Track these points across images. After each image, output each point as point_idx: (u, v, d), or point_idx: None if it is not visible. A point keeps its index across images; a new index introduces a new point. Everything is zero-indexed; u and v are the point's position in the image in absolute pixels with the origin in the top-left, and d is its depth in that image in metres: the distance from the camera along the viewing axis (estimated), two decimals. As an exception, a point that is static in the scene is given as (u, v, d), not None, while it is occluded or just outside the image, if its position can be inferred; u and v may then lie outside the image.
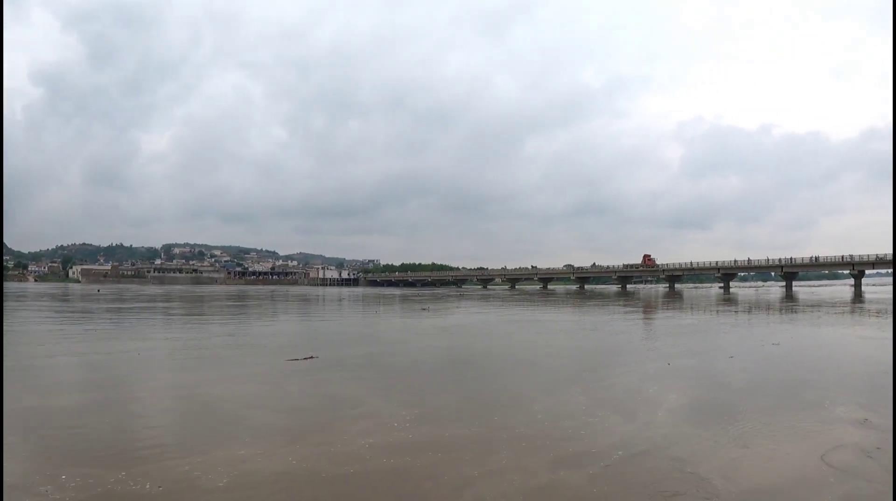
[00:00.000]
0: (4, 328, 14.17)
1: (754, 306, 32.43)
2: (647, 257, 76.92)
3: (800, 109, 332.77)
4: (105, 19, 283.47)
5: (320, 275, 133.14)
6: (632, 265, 78.10)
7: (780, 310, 27.66)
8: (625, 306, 33.57)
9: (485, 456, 4.59)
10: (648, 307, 32.60)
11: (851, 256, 62.28)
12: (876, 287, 62.08)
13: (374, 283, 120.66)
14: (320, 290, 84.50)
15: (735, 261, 72.04)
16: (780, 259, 67.78)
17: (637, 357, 10.91)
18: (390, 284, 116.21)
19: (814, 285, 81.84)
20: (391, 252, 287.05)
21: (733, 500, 3.76)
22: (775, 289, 62.92)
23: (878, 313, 24.60)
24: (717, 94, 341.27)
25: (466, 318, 23.70)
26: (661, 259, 78.95)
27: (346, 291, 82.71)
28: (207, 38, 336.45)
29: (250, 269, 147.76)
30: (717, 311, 27.59)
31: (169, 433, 5.32)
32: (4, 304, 28.77)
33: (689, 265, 75.83)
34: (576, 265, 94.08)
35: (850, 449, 4.76)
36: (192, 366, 9.45)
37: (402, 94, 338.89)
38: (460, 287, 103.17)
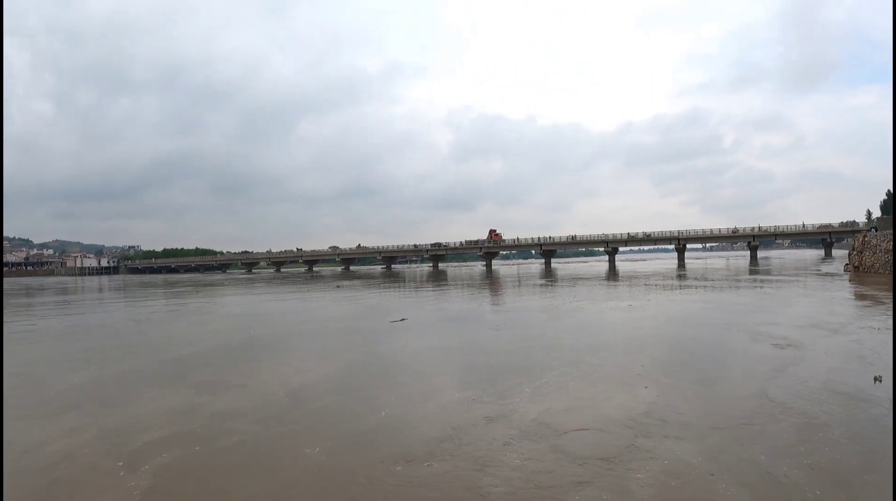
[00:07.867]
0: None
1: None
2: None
3: (563, 102, 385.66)
4: None
5: (78, 264, 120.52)
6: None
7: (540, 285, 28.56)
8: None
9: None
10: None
11: (606, 234, 68.07)
12: (628, 263, 68.32)
13: (135, 270, 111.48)
14: (80, 280, 75.84)
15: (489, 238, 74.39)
16: (539, 238, 71.00)
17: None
18: (153, 271, 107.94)
19: (572, 262, 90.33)
20: (153, 237, 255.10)
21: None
22: (536, 266, 65.94)
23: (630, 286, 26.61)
24: (487, 85, 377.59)
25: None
26: (427, 239, 78.95)
27: (105, 280, 74.97)
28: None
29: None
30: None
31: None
32: None
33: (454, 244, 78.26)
34: (341, 247, 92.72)
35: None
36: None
37: (177, 71, 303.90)
38: (225, 272, 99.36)
